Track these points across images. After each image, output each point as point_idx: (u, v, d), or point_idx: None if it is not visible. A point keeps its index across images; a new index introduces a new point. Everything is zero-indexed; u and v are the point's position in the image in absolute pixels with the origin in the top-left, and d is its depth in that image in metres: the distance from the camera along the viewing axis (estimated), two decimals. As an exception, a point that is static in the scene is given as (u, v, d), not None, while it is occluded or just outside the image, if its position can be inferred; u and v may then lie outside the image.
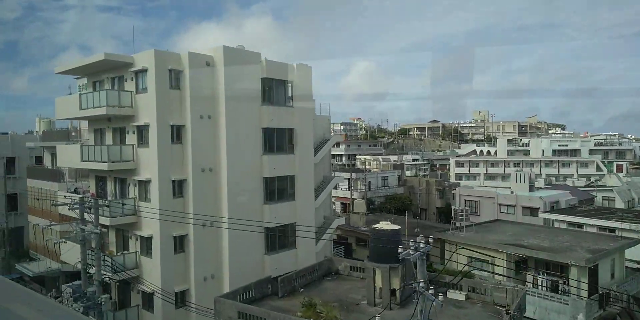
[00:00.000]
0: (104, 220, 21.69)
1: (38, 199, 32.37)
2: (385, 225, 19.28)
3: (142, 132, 22.69)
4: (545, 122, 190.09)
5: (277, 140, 25.08)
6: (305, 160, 26.46)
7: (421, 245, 14.57)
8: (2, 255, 36.43)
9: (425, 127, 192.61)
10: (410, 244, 14.66)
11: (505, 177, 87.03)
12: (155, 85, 21.48)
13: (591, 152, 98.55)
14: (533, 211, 47.00)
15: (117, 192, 24.44)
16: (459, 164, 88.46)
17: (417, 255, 14.32)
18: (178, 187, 22.38)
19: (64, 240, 23.72)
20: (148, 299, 22.31)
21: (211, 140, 22.97)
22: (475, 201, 51.48)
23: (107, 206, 21.67)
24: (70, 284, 21.96)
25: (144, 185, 22.65)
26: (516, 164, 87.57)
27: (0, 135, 40.95)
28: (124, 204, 22.18)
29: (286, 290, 20.34)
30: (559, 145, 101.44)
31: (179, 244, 22.44)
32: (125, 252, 23.07)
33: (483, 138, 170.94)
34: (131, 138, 23.16)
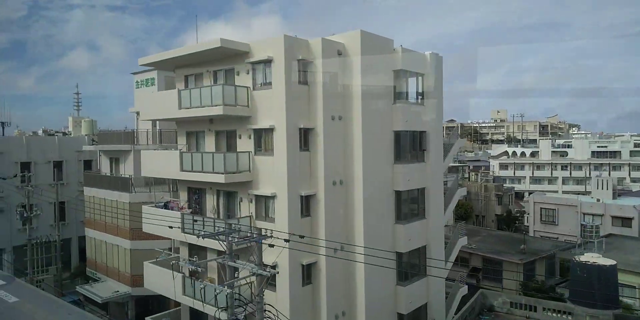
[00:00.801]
0: (195, 240, 17.61)
1: (100, 210, 28.24)
2: (595, 258, 15.05)
3: (260, 137, 18.51)
4: (565, 122, 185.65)
5: (409, 146, 20.90)
6: (436, 169, 22.27)
7: None
8: (53, 272, 32.29)
9: (443, 127, 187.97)
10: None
11: (551, 180, 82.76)
12: (284, 80, 17.29)
13: (632, 153, 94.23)
14: (625, 222, 42.72)
15: (222, 208, 20.26)
16: (503, 167, 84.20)
17: None
18: (305, 204, 18.21)
19: (156, 260, 19.70)
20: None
21: (342, 146, 18.79)
22: (553, 209, 47.18)
23: (224, 227, 17.47)
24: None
25: (264, 201, 18.47)
26: (564, 167, 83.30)
27: (46, 137, 36.79)
28: (239, 226, 17.98)
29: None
30: (598, 147, 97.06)
31: (307, 274, 18.29)
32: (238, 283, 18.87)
33: (503, 138, 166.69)
34: (245, 144, 18.98)
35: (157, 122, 28.27)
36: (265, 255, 17.62)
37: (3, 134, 37.27)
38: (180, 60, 20.62)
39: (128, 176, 27.94)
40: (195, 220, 18.56)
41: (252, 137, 18.67)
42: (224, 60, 19.60)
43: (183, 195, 22.16)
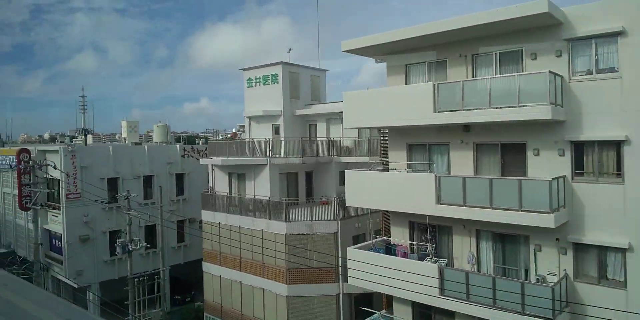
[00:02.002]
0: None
1: (231, 240, 21.80)
2: None
3: (589, 154, 12.03)
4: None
5: None
6: None
7: None
8: (156, 317, 25.81)
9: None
10: None
11: None
12: (651, 63, 10.85)
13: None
14: None
15: (486, 257, 13.78)
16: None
17: None
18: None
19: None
20: None
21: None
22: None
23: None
24: None
25: (596, 253, 11.96)
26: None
27: (134, 147, 30.30)
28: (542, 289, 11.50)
29: None
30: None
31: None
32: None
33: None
34: (545, 163, 12.50)
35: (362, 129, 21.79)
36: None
37: (85, 143, 30.81)
38: (416, 41, 14.16)
39: (267, 199, 21.54)
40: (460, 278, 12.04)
41: (569, 153, 12.20)
42: (500, 37, 13.16)
43: (398, 232, 15.70)
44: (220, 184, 25.49)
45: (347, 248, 15.69)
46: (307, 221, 19.92)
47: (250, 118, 27.68)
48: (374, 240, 15.74)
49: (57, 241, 28.47)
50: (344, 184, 25.68)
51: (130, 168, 28.44)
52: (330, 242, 19.80)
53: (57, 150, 26.96)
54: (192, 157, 31.73)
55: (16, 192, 31.64)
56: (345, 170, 15.92)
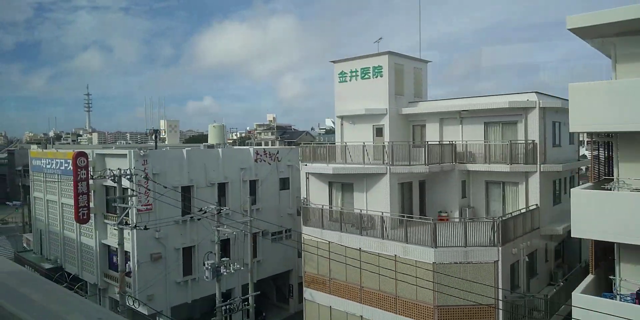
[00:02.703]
0: None
1: (346, 265, 18.07)
2: None
3: None
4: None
5: None
6: None
7: None
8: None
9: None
10: None
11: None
12: None
13: None
14: None
15: None
16: None
17: None
18: None
19: None
20: None
21: None
22: None
23: None
24: None
25: None
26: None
27: (207, 151, 26.41)
28: None
29: None
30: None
31: None
32: None
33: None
34: None
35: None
36: None
37: (156, 146, 27.01)
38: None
39: (383, 214, 17.75)
40: None
41: None
42: None
43: (634, 271, 11.91)
44: (317, 195, 21.74)
45: (573, 293, 11.88)
46: (460, 247, 16.14)
47: (342, 118, 23.94)
48: (618, 283, 11.94)
49: (116, 257, 24.73)
50: (466, 197, 22.26)
51: (204, 175, 24.68)
52: (489, 273, 16.04)
53: (121, 155, 23.25)
54: (264, 161, 28.00)
55: (64, 200, 27.97)
56: (574, 189, 12.08)
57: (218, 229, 20.23)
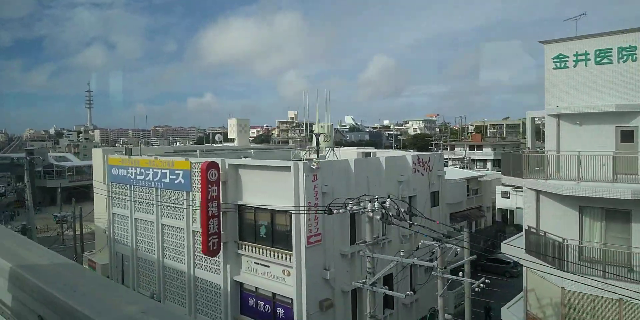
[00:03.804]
0: None
1: None
2: None
3: None
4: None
5: None
6: None
7: None
8: None
9: (503, 124, 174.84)
10: None
11: None
12: None
13: None
14: None
15: None
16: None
17: None
18: None
19: None
20: None
21: None
22: None
23: None
24: None
25: None
26: None
27: (365, 159, 20.58)
28: None
29: None
30: None
31: None
32: None
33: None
34: None
35: None
36: None
37: (318, 154, 21.03)
38: None
39: None
40: None
41: None
42: None
43: None
44: (553, 224, 16.06)
45: None
46: None
47: (559, 116, 18.24)
48: None
49: (252, 299, 18.98)
50: None
51: (366, 191, 18.93)
52: None
53: (274, 167, 17.46)
54: (418, 171, 22.31)
55: (165, 220, 22.10)
56: None
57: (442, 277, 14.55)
